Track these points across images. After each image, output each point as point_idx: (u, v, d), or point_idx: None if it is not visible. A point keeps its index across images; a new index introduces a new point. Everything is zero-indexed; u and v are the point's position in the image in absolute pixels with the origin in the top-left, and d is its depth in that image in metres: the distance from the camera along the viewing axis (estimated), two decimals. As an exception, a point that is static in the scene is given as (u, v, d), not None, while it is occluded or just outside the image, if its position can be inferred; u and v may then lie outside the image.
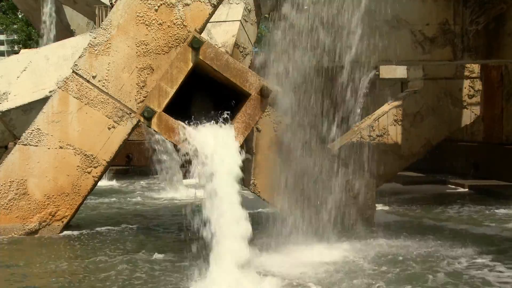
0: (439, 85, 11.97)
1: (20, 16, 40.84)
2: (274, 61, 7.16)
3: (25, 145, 7.68)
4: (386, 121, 11.77)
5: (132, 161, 16.49)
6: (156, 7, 7.57)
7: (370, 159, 8.42)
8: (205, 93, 7.49)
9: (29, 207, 7.63)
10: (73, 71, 7.71)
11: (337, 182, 7.57)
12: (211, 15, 7.68)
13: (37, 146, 7.67)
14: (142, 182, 14.48)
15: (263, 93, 6.62)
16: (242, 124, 6.56)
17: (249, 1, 14.77)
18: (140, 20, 7.58)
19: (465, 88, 12.08)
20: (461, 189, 12.70)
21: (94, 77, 7.65)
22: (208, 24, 9.71)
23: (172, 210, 10.10)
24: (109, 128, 7.69)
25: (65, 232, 7.74)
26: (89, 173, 7.72)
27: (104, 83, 7.65)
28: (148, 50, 7.60)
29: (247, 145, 7.59)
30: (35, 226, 7.63)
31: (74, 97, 7.68)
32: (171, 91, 6.68)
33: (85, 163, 7.71)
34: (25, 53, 13.76)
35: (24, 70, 11.38)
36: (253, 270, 5.50)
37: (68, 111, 7.70)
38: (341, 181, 7.68)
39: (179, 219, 9.14)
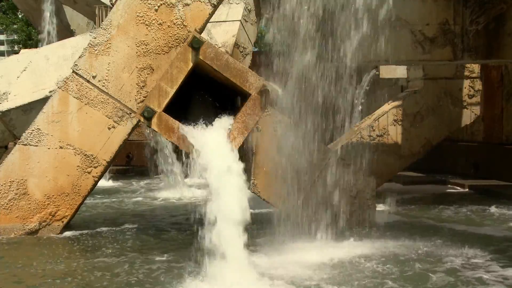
0: (439, 85, 11.97)
1: (20, 16, 40.86)
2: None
3: (25, 145, 7.68)
4: (386, 121, 11.77)
5: (132, 161, 16.50)
6: (156, 7, 7.57)
7: (370, 159, 8.42)
8: (205, 93, 7.50)
9: (29, 207, 7.63)
10: (73, 71, 7.72)
11: (337, 182, 7.57)
12: (211, 15, 7.68)
13: (37, 146, 7.67)
14: (142, 182, 14.48)
15: (263, 93, 6.62)
16: (242, 124, 6.56)
17: (249, 1, 14.78)
18: (140, 20, 7.59)
19: (465, 88, 12.08)
20: (461, 189, 12.69)
21: (94, 77, 7.65)
22: (208, 24, 9.71)
23: (172, 210, 10.10)
24: (109, 128, 7.69)
25: (65, 232, 7.74)
26: (89, 173, 7.72)
27: (104, 83, 7.65)
28: (148, 50, 7.60)
29: (247, 145, 7.59)
30: (35, 226, 7.63)
31: (74, 97, 7.68)
32: (171, 91, 6.69)
33: (85, 163, 7.71)
34: (25, 53, 13.76)
35: (24, 70, 11.39)
36: (254, 270, 5.50)
37: (68, 111, 7.70)
38: (341, 181, 7.68)
39: (179, 219, 9.15)
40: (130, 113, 7.66)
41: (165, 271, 5.91)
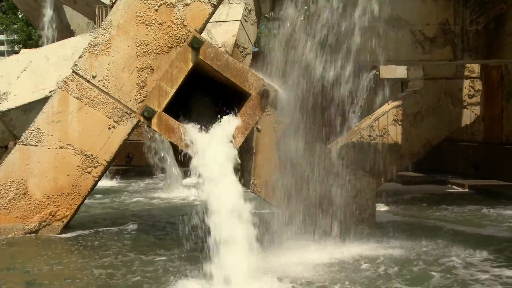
0: (439, 85, 11.98)
1: (20, 16, 40.85)
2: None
3: (25, 145, 7.68)
4: (386, 121, 11.78)
5: (132, 161, 16.50)
6: (156, 7, 7.57)
7: (370, 159, 8.43)
8: (205, 93, 7.50)
9: (29, 207, 7.63)
10: (73, 71, 7.71)
11: (337, 182, 7.57)
12: (211, 15, 7.68)
13: (37, 146, 7.67)
14: (141, 182, 14.48)
15: (263, 93, 6.62)
16: (242, 124, 6.56)
17: (249, 1, 14.77)
18: (140, 20, 7.58)
19: (465, 88, 12.09)
20: (461, 189, 12.70)
21: (94, 77, 7.65)
22: (208, 24, 9.70)
23: (172, 210, 10.10)
24: (109, 128, 7.69)
25: (65, 232, 7.74)
26: (89, 173, 7.72)
27: (104, 83, 7.65)
28: (148, 50, 7.60)
29: (247, 145, 7.59)
30: (35, 226, 7.63)
31: (74, 97, 7.68)
32: (171, 91, 6.69)
33: (85, 163, 7.71)
34: (25, 53, 13.74)
35: (24, 70, 11.38)
36: (254, 270, 5.50)
37: (68, 111, 7.70)
38: (341, 181, 7.68)
39: (179, 219, 9.14)
40: (130, 113, 7.66)
41: (165, 271, 5.91)
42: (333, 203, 7.43)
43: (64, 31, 17.69)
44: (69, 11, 18.30)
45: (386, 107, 12.09)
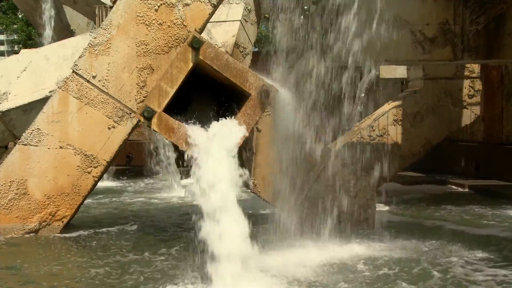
0: (439, 85, 11.97)
1: (20, 16, 40.85)
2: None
3: (25, 145, 7.68)
4: (386, 121, 11.77)
5: (132, 161, 16.50)
6: (156, 7, 7.57)
7: (370, 159, 8.42)
8: (205, 93, 7.50)
9: (29, 207, 7.63)
10: (73, 71, 7.72)
11: (337, 182, 7.57)
12: (211, 15, 7.68)
13: (37, 146, 7.67)
14: (141, 182, 14.47)
15: (263, 93, 6.62)
16: (242, 124, 6.55)
17: (249, 1, 14.77)
18: (140, 20, 7.59)
19: (465, 88, 12.09)
20: (461, 189, 12.70)
21: (94, 77, 7.65)
22: (208, 24, 9.71)
23: (171, 210, 10.10)
24: (109, 128, 7.69)
25: (65, 232, 7.74)
26: (89, 173, 7.72)
27: (104, 83, 7.65)
28: (148, 50, 7.60)
29: (247, 145, 7.59)
30: (35, 226, 7.63)
31: (74, 97, 7.68)
32: (171, 91, 6.69)
33: (85, 163, 7.71)
34: (25, 53, 13.74)
35: (24, 70, 11.37)
36: (255, 270, 5.50)
37: (68, 111, 7.70)
38: (342, 181, 7.68)
39: (178, 219, 9.15)
40: (130, 113, 7.66)
41: (165, 271, 5.91)
42: (333, 203, 7.42)
43: (64, 31, 17.69)
44: (69, 11, 18.30)
45: (386, 107, 12.09)
